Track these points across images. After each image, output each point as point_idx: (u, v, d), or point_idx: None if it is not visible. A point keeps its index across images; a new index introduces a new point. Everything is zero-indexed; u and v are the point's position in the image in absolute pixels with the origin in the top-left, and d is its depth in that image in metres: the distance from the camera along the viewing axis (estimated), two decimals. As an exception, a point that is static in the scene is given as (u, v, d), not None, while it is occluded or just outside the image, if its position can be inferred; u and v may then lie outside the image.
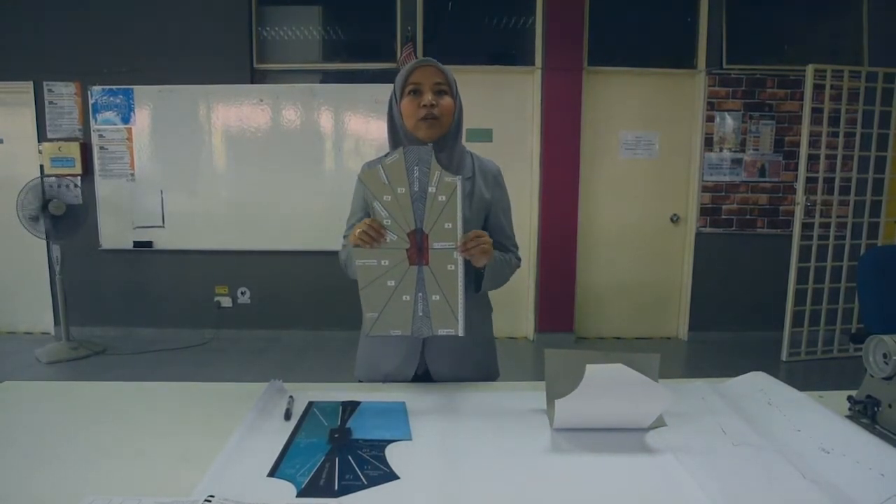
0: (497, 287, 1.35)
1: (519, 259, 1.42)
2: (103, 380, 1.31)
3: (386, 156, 1.22)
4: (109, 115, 4.04)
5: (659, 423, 1.03)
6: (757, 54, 4.08)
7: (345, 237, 1.41)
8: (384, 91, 3.95)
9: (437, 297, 1.12)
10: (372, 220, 1.13)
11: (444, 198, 1.11)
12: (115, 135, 4.06)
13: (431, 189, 1.11)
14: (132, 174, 4.09)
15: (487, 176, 1.36)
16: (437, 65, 1.26)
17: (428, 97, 1.22)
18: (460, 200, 1.11)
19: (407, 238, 1.13)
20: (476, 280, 1.29)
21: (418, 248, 1.13)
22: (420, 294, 1.13)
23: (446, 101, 1.25)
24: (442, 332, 1.14)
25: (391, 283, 1.14)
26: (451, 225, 1.12)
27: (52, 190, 3.75)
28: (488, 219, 1.36)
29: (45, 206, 3.70)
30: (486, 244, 1.15)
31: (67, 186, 3.85)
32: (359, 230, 1.13)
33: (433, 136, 1.26)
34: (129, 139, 4.06)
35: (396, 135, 1.30)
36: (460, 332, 1.14)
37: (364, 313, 1.16)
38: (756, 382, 1.17)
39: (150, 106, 4.03)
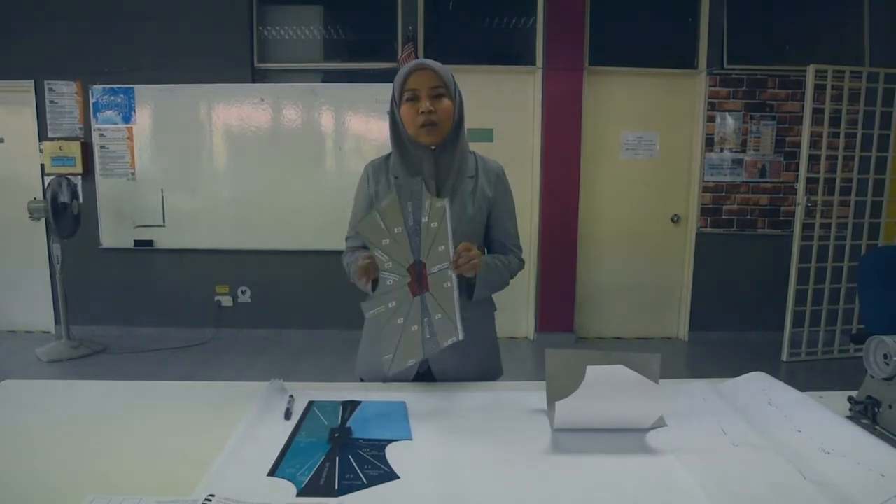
0: (495, 291, 1.35)
1: (521, 261, 1.41)
2: (103, 378, 1.31)
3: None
4: (110, 114, 4.04)
5: (659, 423, 1.03)
6: (758, 54, 4.08)
7: (348, 238, 1.41)
8: (385, 90, 3.95)
9: (440, 316, 1.13)
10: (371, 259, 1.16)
11: (435, 224, 1.12)
12: (115, 134, 4.06)
13: (425, 219, 1.13)
14: (133, 173, 4.09)
15: (490, 174, 1.36)
16: (433, 67, 1.24)
17: (425, 104, 1.22)
18: (449, 221, 1.12)
19: (408, 272, 1.14)
20: (469, 289, 1.28)
21: (418, 278, 1.14)
22: (425, 319, 1.14)
23: (444, 104, 1.24)
24: (446, 343, 1.13)
25: (400, 320, 1.15)
26: (443, 247, 1.13)
27: (54, 189, 3.74)
28: (490, 216, 1.36)
29: (54, 204, 3.70)
30: (475, 257, 1.15)
31: (68, 185, 3.85)
32: (362, 274, 1.17)
33: (435, 141, 1.26)
34: (130, 138, 4.06)
35: (399, 138, 1.30)
36: (460, 336, 1.14)
37: (381, 356, 1.17)
38: (756, 382, 1.17)
39: (150, 105, 4.03)
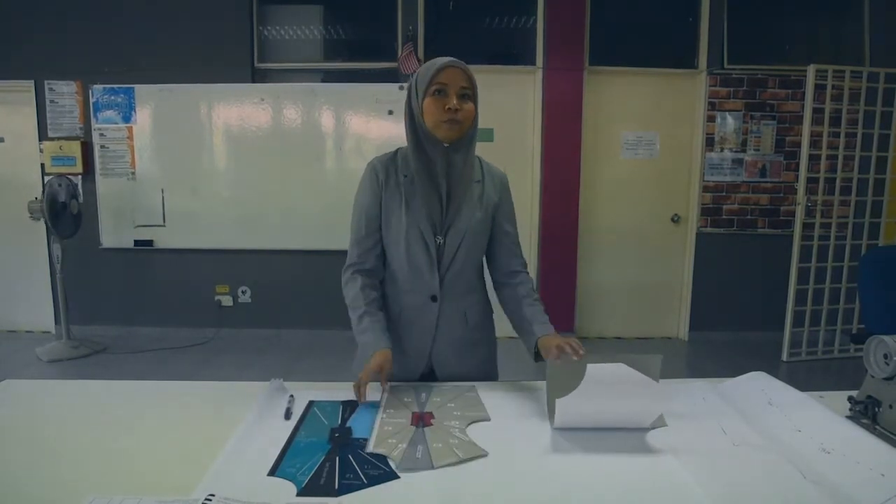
0: None
1: (527, 273, 1.40)
2: (104, 378, 1.31)
3: None
4: (110, 113, 4.04)
5: (659, 422, 1.03)
6: (758, 54, 4.08)
7: (351, 247, 1.35)
8: (385, 90, 3.98)
9: (439, 445, 0.99)
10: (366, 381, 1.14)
11: (459, 413, 1.11)
12: (115, 133, 4.06)
13: (451, 405, 1.14)
14: (133, 173, 4.09)
15: (495, 180, 1.36)
16: (465, 68, 1.24)
17: (453, 101, 1.21)
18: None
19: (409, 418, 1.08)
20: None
21: (420, 418, 1.08)
22: (420, 447, 0.98)
23: (469, 106, 1.24)
24: (441, 464, 0.93)
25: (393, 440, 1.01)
26: (458, 413, 1.10)
27: (54, 188, 3.75)
28: (494, 222, 1.35)
29: (48, 204, 3.70)
30: (576, 342, 1.12)
31: (68, 185, 3.85)
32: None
33: (451, 138, 1.24)
34: (130, 138, 4.06)
35: (415, 131, 1.27)
36: (461, 458, 0.95)
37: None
38: (756, 382, 1.17)
39: (150, 105, 4.03)
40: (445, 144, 1.25)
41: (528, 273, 1.39)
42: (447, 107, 1.21)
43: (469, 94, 1.24)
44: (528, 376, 1.33)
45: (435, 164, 1.26)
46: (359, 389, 1.12)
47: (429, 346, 1.32)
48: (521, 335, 1.31)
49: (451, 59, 1.25)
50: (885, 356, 0.97)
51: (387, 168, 1.32)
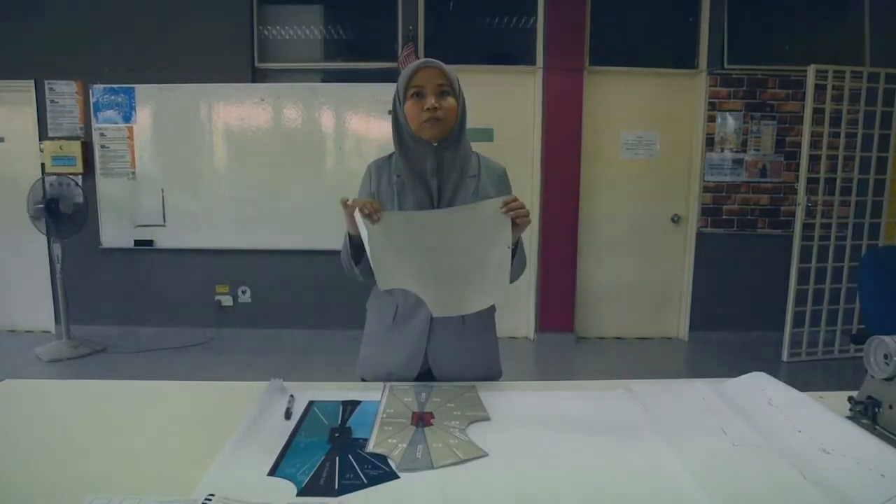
0: (519, 272, 1.31)
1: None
2: (104, 378, 1.31)
3: None
4: (110, 113, 4.04)
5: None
6: (758, 54, 4.08)
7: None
8: (385, 90, 3.97)
9: (439, 445, 0.98)
10: (374, 202, 1.15)
11: (459, 412, 1.11)
12: (116, 133, 4.06)
13: (451, 405, 1.15)
14: (133, 173, 4.09)
15: (493, 175, 1.36)
16: (438, 66, 1.25)
17: (431, 100, 1.22)
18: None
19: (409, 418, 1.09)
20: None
21: (420, 418, 1.08)
22: (420, 446, 0.98)
23: (449, 101, 1.24)
24: (441, 464, 0.92)
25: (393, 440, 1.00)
26: (458, 412, 1.11)
27: (55, 188, 3.75)
28: None
29: (48, 204, 3.71)
30: (523, 206, 1.15)
31: (69, 185, 3.85)
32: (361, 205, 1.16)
33: (437, 137, 1.25)
34: (130, 138, 4.06)
35: (402, 136, 1.29)
36: (461, 458, 0.95)
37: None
38: (756, 382, 1.17)
39: (151, 105, 4.03)
40: (434, 144, 1.26)
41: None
42: (426, 107, 1.22)
43: (448, 90, 1.24)
44: (528, 376, 1.33)
45: (424, 165, 1.27)
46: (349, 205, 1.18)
47: (424, 345, 1.32)
48: None
49: (425, 59, 1.27)
50: (885, 356, 0.97)
51: (380, 170, 1.34)
